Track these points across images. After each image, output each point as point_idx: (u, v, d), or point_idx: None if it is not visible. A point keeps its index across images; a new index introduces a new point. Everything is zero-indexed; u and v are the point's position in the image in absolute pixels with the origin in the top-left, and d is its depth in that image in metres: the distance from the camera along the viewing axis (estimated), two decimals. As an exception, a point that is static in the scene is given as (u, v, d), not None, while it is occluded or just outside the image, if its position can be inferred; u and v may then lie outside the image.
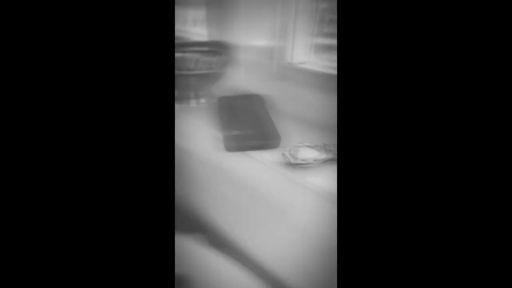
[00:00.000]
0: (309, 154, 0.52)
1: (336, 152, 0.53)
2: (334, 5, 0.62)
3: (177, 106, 0.74)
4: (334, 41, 0.66)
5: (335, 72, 0.62)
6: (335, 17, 0.63)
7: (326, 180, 0.49)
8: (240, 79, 0.81)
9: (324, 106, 0.64)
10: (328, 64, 0.67)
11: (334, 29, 0.65)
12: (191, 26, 0.91)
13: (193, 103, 0.74)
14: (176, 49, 0.75)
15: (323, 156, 0.51)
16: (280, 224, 0.64)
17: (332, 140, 0.58)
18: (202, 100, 0.74)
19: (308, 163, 0.51)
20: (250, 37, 0.74)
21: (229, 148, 0.59)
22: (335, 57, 0.66)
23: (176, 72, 0.68)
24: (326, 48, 0.69)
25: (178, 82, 0.70)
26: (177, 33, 0.91)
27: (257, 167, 0.57)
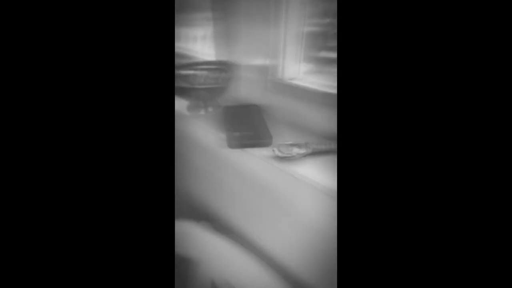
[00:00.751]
0: (293, 150, 0.67)
1: (316, 148, 0.68)
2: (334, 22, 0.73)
3: (189, 114, 0.89)
4: (328, 55, 0.79)
5: (320, 87, 0.77)
6: (335, 31, 0.73)
7: (309, 170, 0.63)
8: (241, 92, 0.93)
9: (310, 114, 0.78)
10: (315, 80, 0.82)
11: (334, 43, 0.77)
12: (200, 46, 1.06)
13: (202, 111, 0.89)
14: (189, 67, 0.90)
15: (303, 151, 0.67)
16: (274, 209, 0.79)
17: (309, 138, 0.73)
18: (210, 109, 0.88)
19: (292, 156, 0.66)
20: (249, 57, 0.86)
21: (231, 146, 0.72)
22: (332, 71, 0.80)
23: (189, 85, 0.83)
24: (320, 62, 0.82)
25: (190, 94, 0.85)
26: (189, 53, 1.07)
27: (253, 160, 0.72)
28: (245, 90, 0.93)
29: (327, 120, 0.74)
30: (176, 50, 1.06)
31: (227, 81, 0.85)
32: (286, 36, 0.78)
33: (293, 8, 0.74)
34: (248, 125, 0.77)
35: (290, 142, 0.69)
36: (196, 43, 1.05)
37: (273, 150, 0.67)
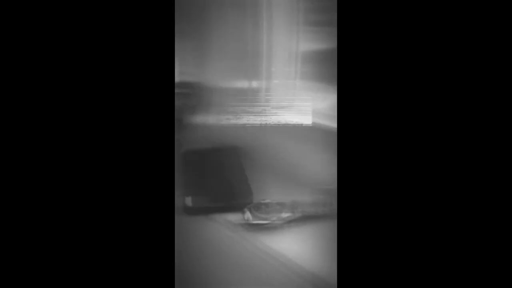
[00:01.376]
0: (272, 212, 0.49)
1: (307, 211, 0.49)
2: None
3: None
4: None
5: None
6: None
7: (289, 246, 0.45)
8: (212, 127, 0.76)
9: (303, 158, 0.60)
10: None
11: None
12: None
13: None
14: None
15: (287, 214, 0.48)
16: None
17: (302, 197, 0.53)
18: None
19: (268, 223, 0.48)
20: (226, 79, 0.72)
21: (188, 212, 0.54)
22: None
23: None
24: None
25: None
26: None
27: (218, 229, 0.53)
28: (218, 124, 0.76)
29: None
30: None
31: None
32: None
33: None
34: (219, 179, 0.58)
35: (268, 201, 0.50)
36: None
37: (244, 212, 0.49)
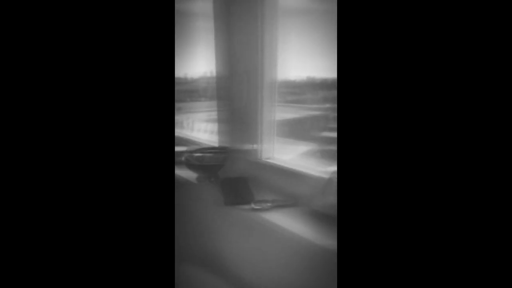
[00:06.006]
0: (263, 203, 1.16)
1: (277, 203, 1.17)
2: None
3: (198, 183, 1.39)
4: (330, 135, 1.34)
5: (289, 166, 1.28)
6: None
7: (275, 217, 1.12)
8: (234, 167, 1.42)
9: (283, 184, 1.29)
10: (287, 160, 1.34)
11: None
12: (201, 135, 1.62)
13: (208, 181, 1.37)
14: (198, 151, 1.43)
15: (269, 204, 1.16)
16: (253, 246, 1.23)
17: (278, 196, 1.22)
18: (212, 179, 1.37)
19: (261, 208, 1.15)
20: (240, 143, 1.37)
21: (226, 204, 1.20)
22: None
23: (198, 163, 1.35)
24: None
25: (198, 169, 1.37)
26: (197, 140, 1.62)
27: (239, 212, 1.20)
28: (237, 167, 1.43)
29: (295, 185, 1.22)
30: (188, 137, 1.63)
31: (223, 160, 1.38)
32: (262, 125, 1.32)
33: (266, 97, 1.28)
34: (238, 190, 1.26)
35: (262, 199, 1.19)
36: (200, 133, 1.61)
37: (251, 205, 1.17)
